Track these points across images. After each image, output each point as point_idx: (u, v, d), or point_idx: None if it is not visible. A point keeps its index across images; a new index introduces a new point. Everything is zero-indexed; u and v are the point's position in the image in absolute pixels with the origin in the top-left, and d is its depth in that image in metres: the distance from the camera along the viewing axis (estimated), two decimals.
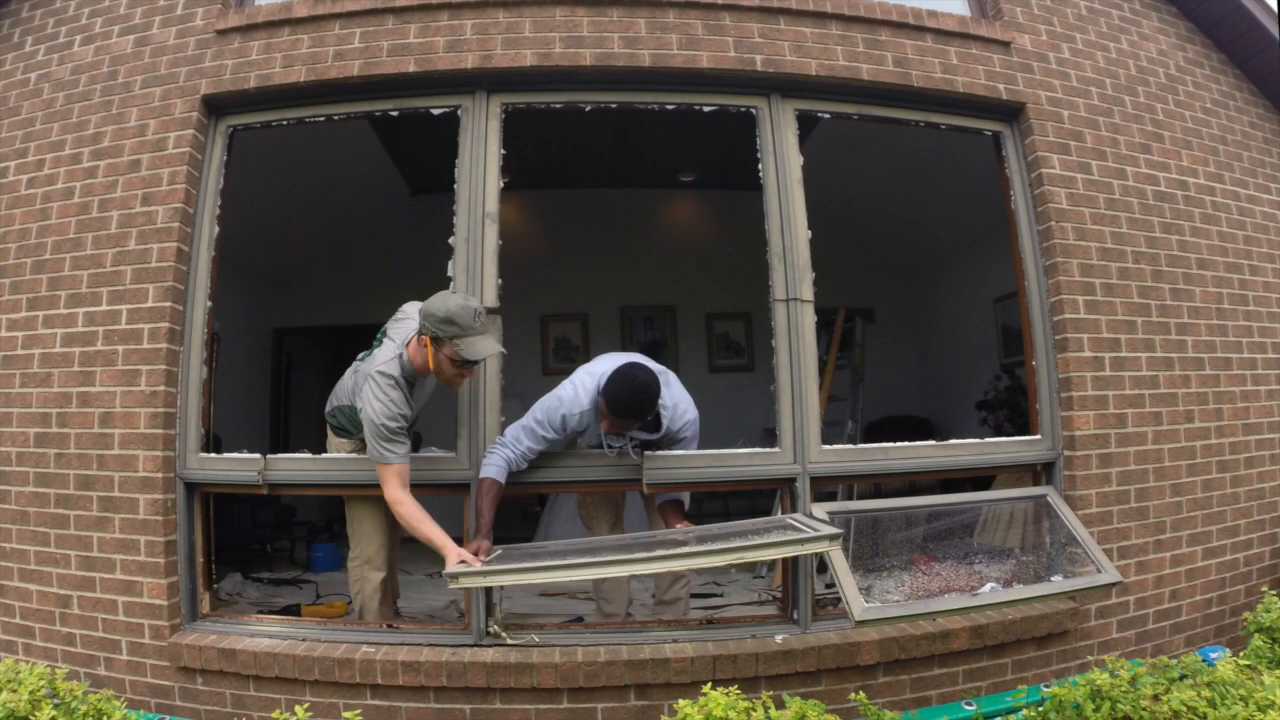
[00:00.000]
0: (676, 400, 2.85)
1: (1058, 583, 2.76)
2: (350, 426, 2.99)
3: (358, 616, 3.12)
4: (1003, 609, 2.81)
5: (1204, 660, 2.40)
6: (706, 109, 3.11)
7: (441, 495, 2.90)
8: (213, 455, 2.91)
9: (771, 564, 4.55)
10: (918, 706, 2.67)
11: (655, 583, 3.24)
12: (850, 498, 4.08)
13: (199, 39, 3.09)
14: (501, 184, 2.95)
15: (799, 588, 2.81)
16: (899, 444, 2.99)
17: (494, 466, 2.67)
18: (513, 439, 2.74)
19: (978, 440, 3.12)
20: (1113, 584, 2.71)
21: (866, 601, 2.48)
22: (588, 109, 3.10)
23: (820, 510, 2.76)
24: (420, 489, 2.70)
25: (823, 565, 2.75)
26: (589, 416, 2.81)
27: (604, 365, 2.84)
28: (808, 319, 2.93)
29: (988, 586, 2.67)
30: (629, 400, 2.62)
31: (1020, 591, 2.68)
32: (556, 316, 7.02)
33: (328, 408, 3.13)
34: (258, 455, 2.86)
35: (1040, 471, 3.12)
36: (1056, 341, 3.12)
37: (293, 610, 3.66)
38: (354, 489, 2.99)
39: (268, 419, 6.93)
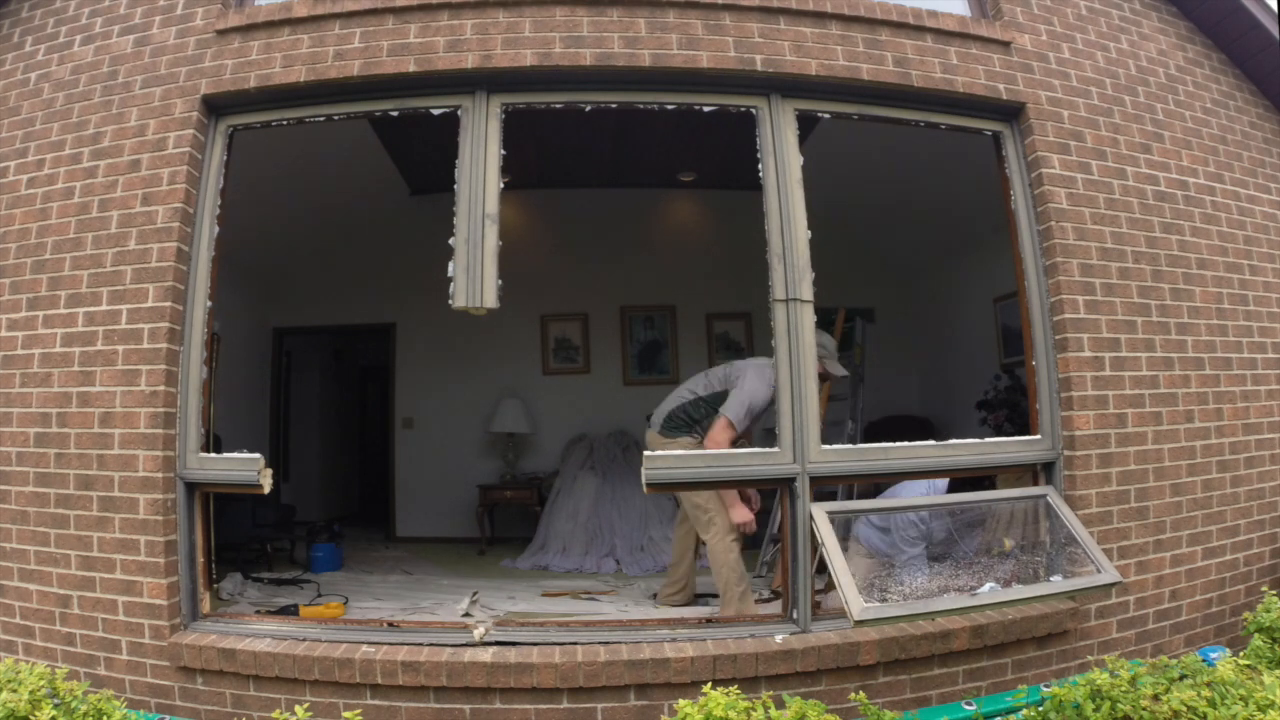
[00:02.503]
0: None
1: (1057, 583, 2.76)
2: (699, 416, 3.74)
3: (732, 587, 3.53)
4: (1002, 609, 2.81)
5: (1204, 660, 2.40)
6: (706, 109, 3.11)
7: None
8: (213, 455, 2.90)
9: (771, 563, 4.56)
10: (918, 706, 2.67)
11: None
12: (850, 497, 4.08)
13: (199, 39, 3.09)
14: (501, 184, 2.95)
15: (798, 587, 2.82)
16: (899, 444, 2.99)
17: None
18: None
19: (978, 440, 3.11)
20: (1112, 584, 2.71)
21: (865, 601, 2.48)
22: (588, 109, 3.10)
23: (820, 511, 2.77)
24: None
25: (822, 565, 2.75)
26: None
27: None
28: (808, 319, 2.93)
29: (987, 586, 2.67)
30: None
31: (1020, 591, 2.69)
32: (556, 316, 7.03)
33: (664, 415, 3.82)
34: (257, 455, 2.86)
35: (1040, 472, 3.12)
36: (1056, 341, 3.12)
37: (290, 611, 3.66)
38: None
39: (268, 419, 6.93)
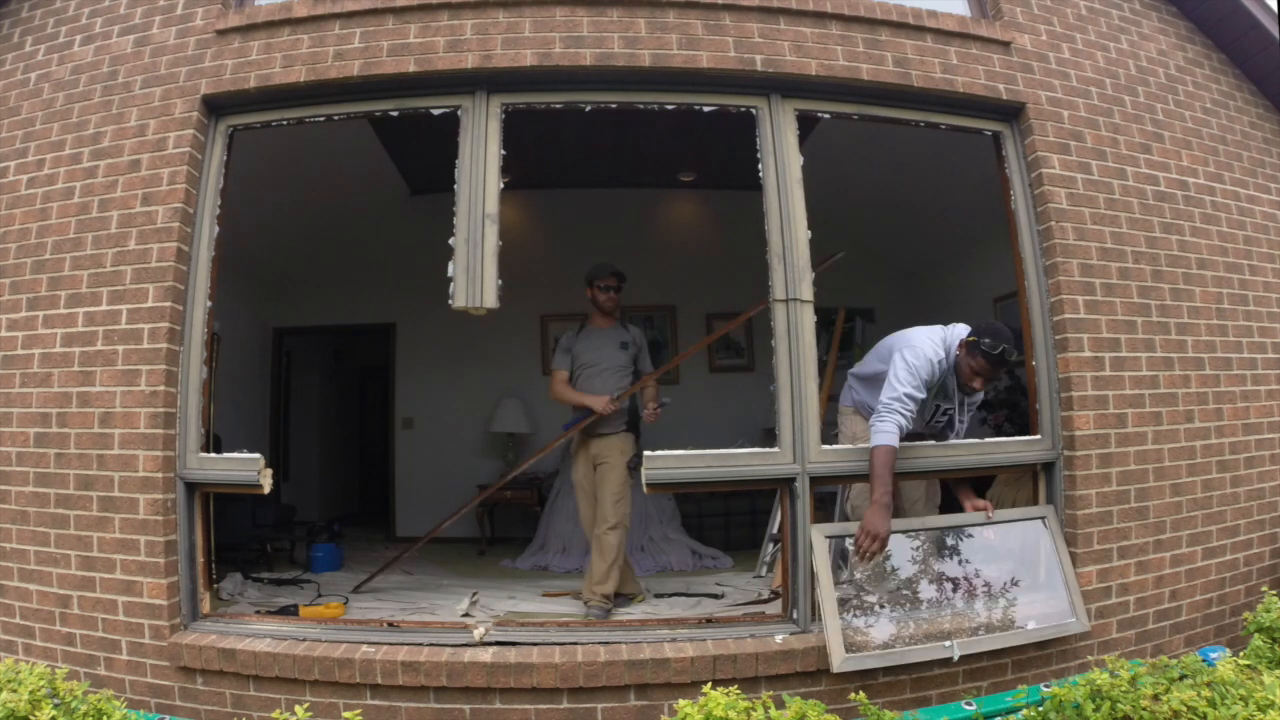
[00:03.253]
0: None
1: (1032, 630, 2.83)
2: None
3: (613, 572, 3.58)
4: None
5: (1204, 660, 2.40)
6: (706, 109, 3.11)
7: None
8: (213, 455, 2.91)
9: (771, 563, 4.56)
10: (918, 706, 2.67)
11: None
12: (848, 495, 4.08)
13: (199, 39, 3.09)
14: (501, 184, 2.96)
15: (798, 587, 2.82)
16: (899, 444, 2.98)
17: (892, 434, 2.76)
18: (899, 404, 2.81)
19: (978, 440, 3.11)
20: (1081, 633, 2.87)
21: (846, 652, 2.62)
22: (588, 109, 3.10)
23: (819, 536, 2.79)
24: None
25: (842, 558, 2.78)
26: (943, 369, 2.96)
27: (926, 330, 3.02)
28: (807, 319, 2.93)
29: (955, 644, 2.71)
30: (1017, 341, 2.86)
31: (992, 641, 2.76)
32: (556, 316, 7.01)
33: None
34: (257, 455, 2.86)
35: (1040, 472, 3.12)
36: (1056, 341, 3.12)
37: (290, 611, 3.66)
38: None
39: (268, 419, 6.93)
